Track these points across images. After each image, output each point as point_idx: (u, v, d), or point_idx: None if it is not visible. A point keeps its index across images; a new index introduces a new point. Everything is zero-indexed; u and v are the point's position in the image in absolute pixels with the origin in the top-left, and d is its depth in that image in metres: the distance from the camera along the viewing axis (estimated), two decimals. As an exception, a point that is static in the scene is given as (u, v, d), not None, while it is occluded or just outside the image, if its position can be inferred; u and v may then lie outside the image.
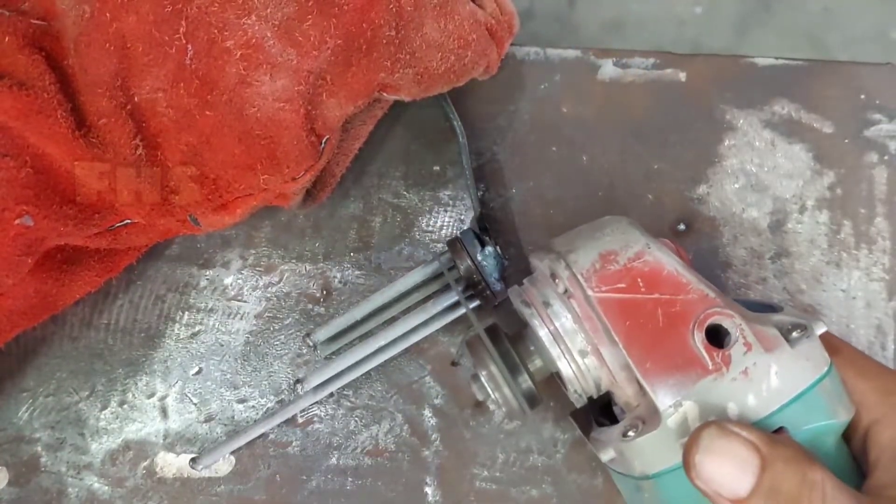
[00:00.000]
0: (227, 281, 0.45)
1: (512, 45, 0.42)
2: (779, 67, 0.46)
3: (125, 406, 0.45)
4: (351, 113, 0.37)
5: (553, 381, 0.38)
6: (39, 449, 0.45)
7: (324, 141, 0.36)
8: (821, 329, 0.32)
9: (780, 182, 0.46)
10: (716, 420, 0.29)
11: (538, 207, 0.45)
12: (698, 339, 0.31)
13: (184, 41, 0.34)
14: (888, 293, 0.45)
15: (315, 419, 0.45)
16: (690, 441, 0.29)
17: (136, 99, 0.35)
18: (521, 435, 0.44)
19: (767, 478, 0.28)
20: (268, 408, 0.45)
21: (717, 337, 0.32)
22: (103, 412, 0.45)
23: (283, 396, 0.45)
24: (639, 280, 0.32)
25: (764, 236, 0.45)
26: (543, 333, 0.35)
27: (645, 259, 0.32)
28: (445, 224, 0.46)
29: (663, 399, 0.31)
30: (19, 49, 0.34)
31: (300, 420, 0.45)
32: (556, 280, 0.35)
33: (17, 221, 0.35)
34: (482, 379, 0.36)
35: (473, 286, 0.42)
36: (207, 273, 0.45)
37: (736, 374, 0.31)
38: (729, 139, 0.46)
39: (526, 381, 0.36)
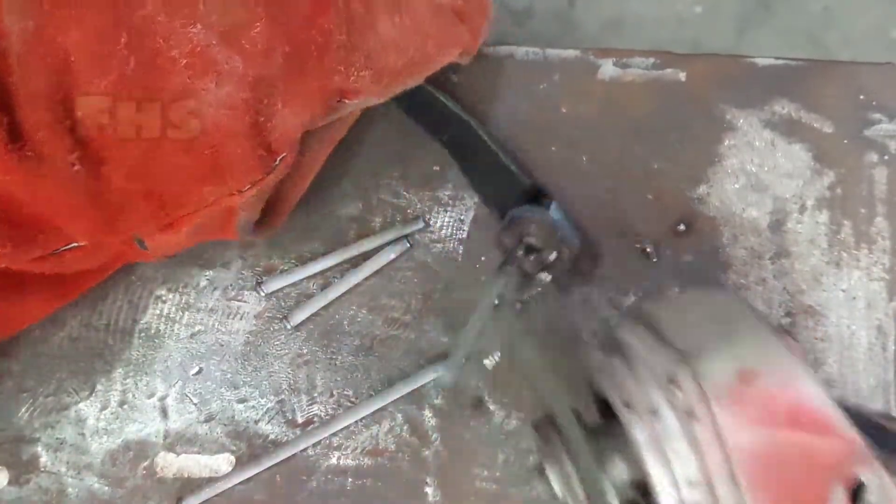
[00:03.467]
0: (227, 281, 0.45)
1: (511, 44, 0.42)
2: (779, 67, 0.46)
3: (125, 406, 0.45)
4: (309, 122, 0.36)
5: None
6: (39, 449, 0.45)
7: (279, 159, 0.36)
8: None
9: (780, 182, 0.46)
10: None
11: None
12: (839, 497, 0.25)
13: (126, 52, 0.33)
14: (888, 293, 0.45)
15: (315, 419, 0.45)
16: None
17: (79, 113, 0.34)
18: (521, 435, 0.44)
19: None
20: (267, 408, 0.45)
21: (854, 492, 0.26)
22: (103, 412, 0.45)
23: (283, 396, 0.45)
24: (782, 414, 0.26)
25: (764, 236, 0.45)
26: (645, 446, 0.28)
27: (792, 389, 0.26)
28: (445, 224, 0.46)
29: None
30: None
31: (300, 420, 0.45)
32: (676, 390, 0.28)
33: None
34: (550, 474, 0.31)
35: (539, 255, 0.40)
36: (207, 273, 0.45)
37: None
38: (729, 139, 0.46)
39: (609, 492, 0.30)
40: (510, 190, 0.43)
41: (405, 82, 0.39)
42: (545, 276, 0.40)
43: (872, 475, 0.25)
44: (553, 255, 0.40)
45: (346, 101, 0.37)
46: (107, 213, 0.36)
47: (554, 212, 0.40)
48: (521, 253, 0.40)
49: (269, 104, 0.35)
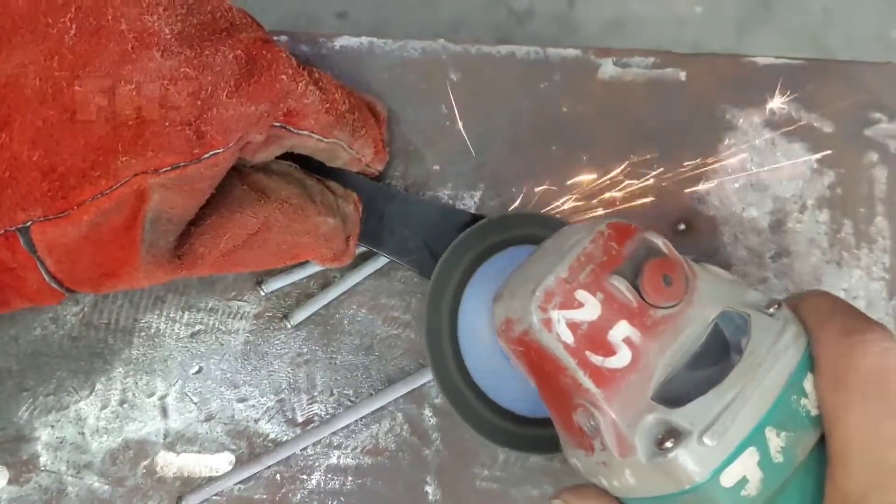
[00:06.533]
0: (228, 280, 0.45)
1: (512, 44, 0.42)
2: (779, 67, 0.46)
3: (125, 405, 0.45)
4: (249, 122, 0.35)
5: None
6: (39, 448, 0.45)
7: (210, 153, 0.34)
8: (703, 444, 0.29)
9: (780, 181, 0.46)
10: (566, 489, 0.34)
11: (538, 208, 0.45)
12: (574, 419, 0.32)
13: (69, 24, 0.33)
14: (889, 292, 0.45)
15: (315, 418, 0.45)
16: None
17: None
18: (522, 434, 0.44)
19: None
20: (267, 407, 0.45)
21: None
22: (103, 411, 0.45)
23: (283, 395, 0.45)
24: (532, 352, 0.33)
25: (764, 236, 0.45)
26: None
27: (530, 337, 0.32)
28: (445, 223, 0.46)
29: (563, 445, 0.34)
30: None
31: (300, 419, 0.45)
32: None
33: None
34: None
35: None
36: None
37: (597, 461, 0.32)
38: (729, 138, 0.46)
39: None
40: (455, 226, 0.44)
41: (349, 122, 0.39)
42: None
43: (592, 413, 0.31)
44: None
45: (290, 127, 0.37)
46: None
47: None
48: None
49: (213, 91, 0.34)
